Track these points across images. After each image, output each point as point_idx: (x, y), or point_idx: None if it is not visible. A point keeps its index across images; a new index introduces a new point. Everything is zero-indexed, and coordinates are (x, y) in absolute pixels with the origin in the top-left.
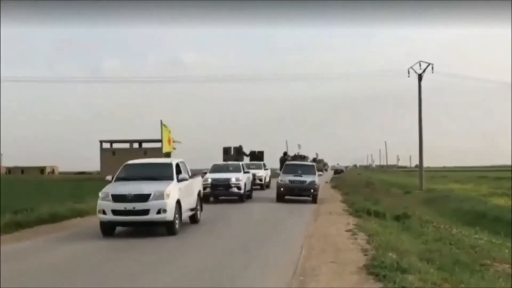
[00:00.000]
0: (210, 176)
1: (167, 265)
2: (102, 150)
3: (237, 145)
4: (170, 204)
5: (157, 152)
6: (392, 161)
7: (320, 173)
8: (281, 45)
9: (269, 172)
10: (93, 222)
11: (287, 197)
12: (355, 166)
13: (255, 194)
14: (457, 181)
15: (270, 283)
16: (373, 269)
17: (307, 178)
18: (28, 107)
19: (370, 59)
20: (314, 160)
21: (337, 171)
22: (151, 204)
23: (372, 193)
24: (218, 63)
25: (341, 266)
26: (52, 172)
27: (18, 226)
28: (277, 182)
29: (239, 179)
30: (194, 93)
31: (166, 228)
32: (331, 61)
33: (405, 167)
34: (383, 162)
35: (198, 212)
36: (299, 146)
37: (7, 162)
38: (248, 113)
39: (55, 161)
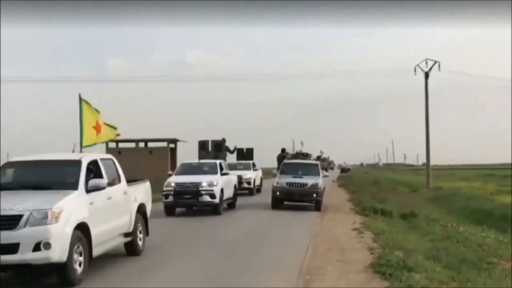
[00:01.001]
0: (173, 180)
1: None
2: (108, 149)
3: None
4: (60, 234)
5: (162, 152)
6: (399, 160)
7: (326, 173)
8: (282, 45)
9: (259, 173)
10: None
11: (286, 203)
12: (361, 164)
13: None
14: (464, 179)
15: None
16: (379, 267)
17: (309, 180)
18: (34, 108)
19: (371, 59)
20: (319, 158)
21: (344, 170)
22: (21, 234)
23: (379, 191)
24: (219, 63)
25: (347, 264)
26: None
27: None
28: (273, 185)
29: (213, 183)
30: (196, 92)
31: (56, 276)
32: (333, 60)
33: (412, 165)
34: (390, 161)
35: (140, 238)
36: (302, 143)
37: None
38: (250, 113)
39: None
